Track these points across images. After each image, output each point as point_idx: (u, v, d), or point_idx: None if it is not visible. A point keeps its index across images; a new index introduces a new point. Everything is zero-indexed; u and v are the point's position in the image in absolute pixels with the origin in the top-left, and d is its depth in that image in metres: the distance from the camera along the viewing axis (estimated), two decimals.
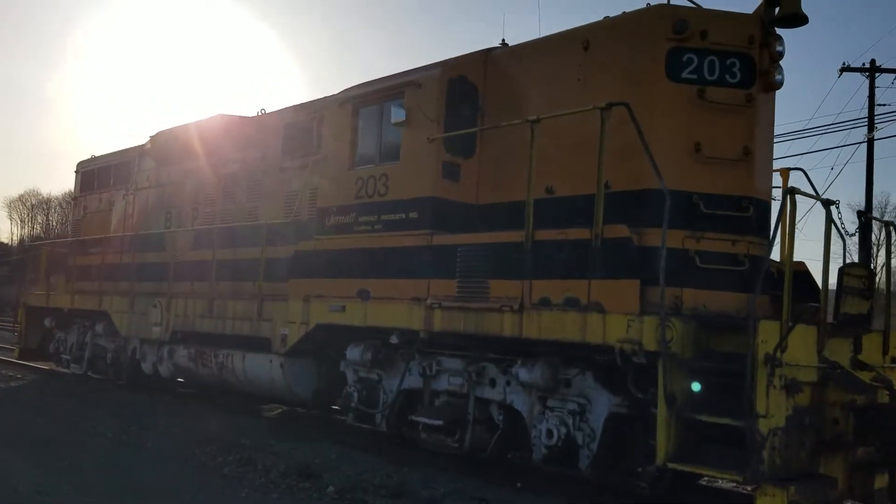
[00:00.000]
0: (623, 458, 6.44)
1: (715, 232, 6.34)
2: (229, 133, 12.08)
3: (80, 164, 16.62)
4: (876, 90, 26.88)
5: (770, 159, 6.96)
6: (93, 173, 15.95)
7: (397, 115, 7.81)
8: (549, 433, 6.47)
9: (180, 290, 11.57)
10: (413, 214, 7.68)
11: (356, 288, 8.26)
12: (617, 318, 5.77)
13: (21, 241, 70.77)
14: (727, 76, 6.57)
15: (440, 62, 7.97)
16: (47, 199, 75.65)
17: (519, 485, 7.30)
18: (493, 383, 7.21)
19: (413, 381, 7.93)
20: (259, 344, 9.84)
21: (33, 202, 76.11)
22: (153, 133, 13.83)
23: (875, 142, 26.39)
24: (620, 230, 5.93)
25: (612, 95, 6.50)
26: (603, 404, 6.28)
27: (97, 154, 16.68)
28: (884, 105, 45.85)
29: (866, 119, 26.73)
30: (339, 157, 8.74)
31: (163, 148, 13.39)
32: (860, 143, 26.55)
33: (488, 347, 7.31)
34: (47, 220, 75.86)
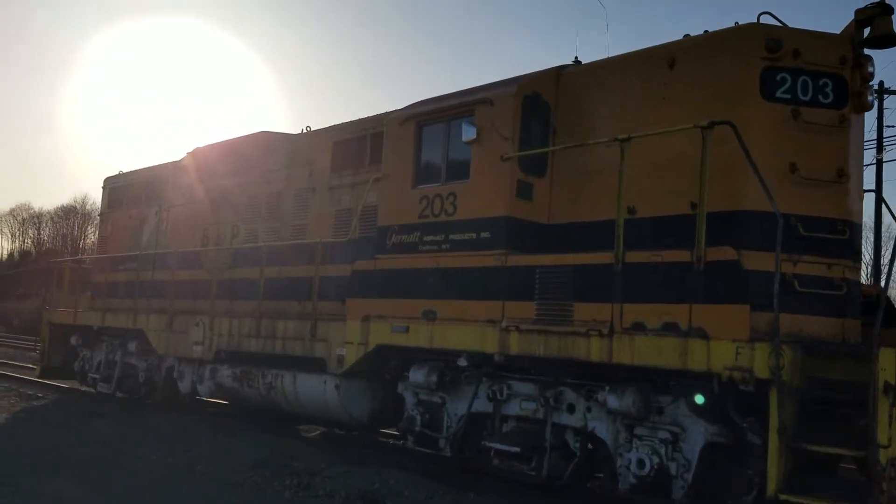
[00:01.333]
0: (715, 488, 6.20)
1: (812, 255, 6.16)
2: (272, 150, 11.95)
3: (108, 180, 16.46)
4: (885, 111, 26.85)
5: (861, 181, 6.79)
6: (122, 189, 15.77)
7: (468, 132, 7.65)
8: (641, 462, 6.24)
9: (224, 308, 11.35)
10: (485, 234, 7.49)
11: (421, 308, 8.06)
12: (724, 345, 5.57)
13: (10, 255, 70.08)
14: (820, 96, 6.43)
15: (513, 79, 7.83)
16: (39, 213, 74.52)
17: None
18: (571, 409, 6.99)
19: (482, 405, 7.70)
20: (311, 364, 9.61)
21: (24, 216, 74.89)
22: (190, 149, 13.72)
23: (884, 164, 26.37)
24: (726, 252, 5.74)
25: (701, 114, 6.35)
26: (699, 433, 6.06)
27: (124, 170, 16.56)
28: (892, 126, 46.04)
29: (875, 141, 26.75)
30: (400, 175, 8.57)
31: (200, 164, 13.25)
32: (870, 164, 26.56)
33: (562, 372, 7.11)
34: (39, 234, 74.92)
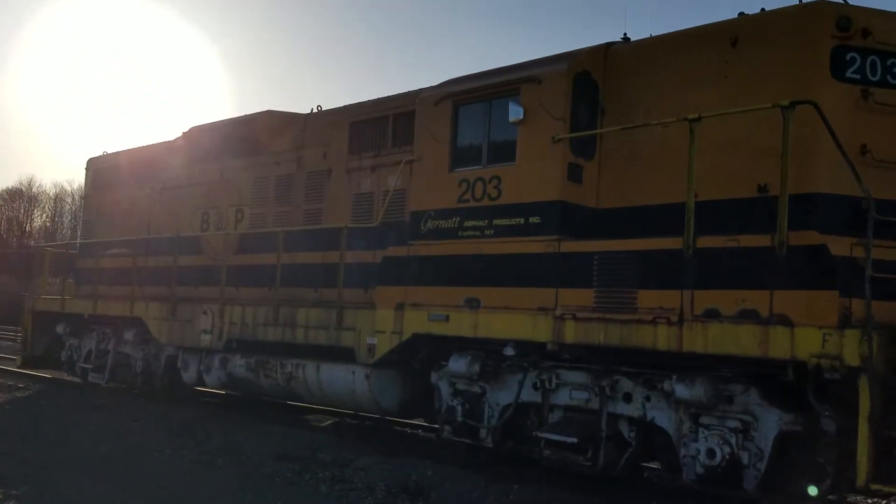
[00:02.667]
0: (783, 479, 6.09)
1: (884, 239, 6.02)
2: (280, 131, 11.51)
3: (93, 161, 15.77)
4: None
5: None
6: (108, 171, 15.11)
7: (515, 112, 7.36)
8: (711, 452, 6.08)
9: (235, 296, 10.92)
10: (535, 219, 7.23)
11: (462, 296, 7.78)
12: (810, 332, 5.42)
13: None
14: (888, 77, 6.28)
15: (561, 56, 7.54)
16: None
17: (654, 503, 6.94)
18: (627, 398, 6.80)
19: (528, 394, 7.48)
20: (335, 353, 9.28)
21: None
22: (186, 129, 13.15)
23: None
24: (812, 237, 5.59)
25: (767, 94, 6.17)
26: (772, 421, 5.92)
27: (109, 151, 15.88)
28: None
29: None
30: (435, 157, 8.24)
31: (198, 145, 12.71)
32: None
33: (614, 361, 6.92)
34: None
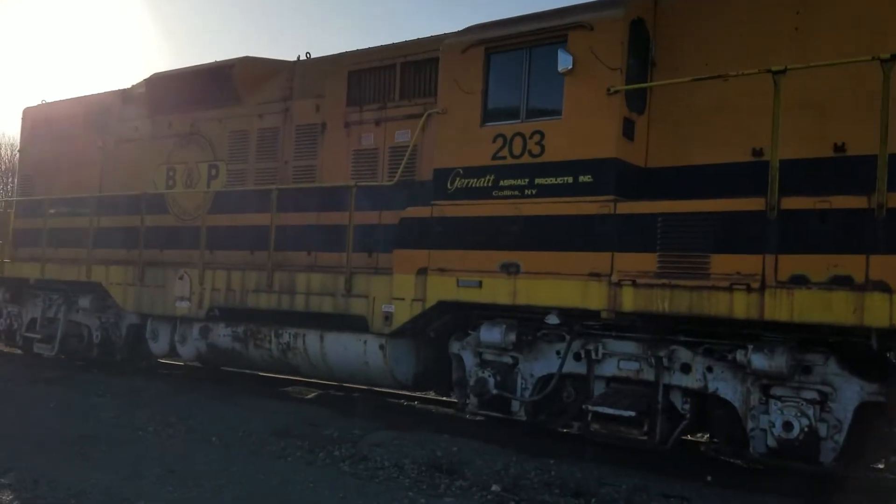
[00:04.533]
0: (857, 449, 5.88)
1: None
2: (261, 80, 10.53)
3: (30, 111, 14.25)
4: None
5: None
6: (49, 122, 13.64)
7: (564, 62, 6.76)
8: (788, 425, 5.79)
9: (210, 259, 9.98)
10: (586, 178, 6.70)
11: (498, 261, 7.21)
12: None
13: None
14: None
15: (611, 0, 6.97)
16: None
17: (709, 478, 6.64)
18: (685, 369, 6.44)
19: (570, 365, 7.03)
20: (340, 323, 8.57)
21: None
22: (148, 76, 11.91)
23: None
24: None
25: (846, 47, 5.83)
26: (853, 392, 5.67)
27: (48, 100, 14.36)
28: None
29: None
30: (464, 110, 7.56)
31: (161, 94, 11.55)
32: None
33: (665, 329, 6.56)
34: None
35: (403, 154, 8.75)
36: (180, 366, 13.30)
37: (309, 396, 10.84)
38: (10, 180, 51.73)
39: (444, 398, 10.53)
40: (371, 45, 9.10)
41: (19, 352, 13.88)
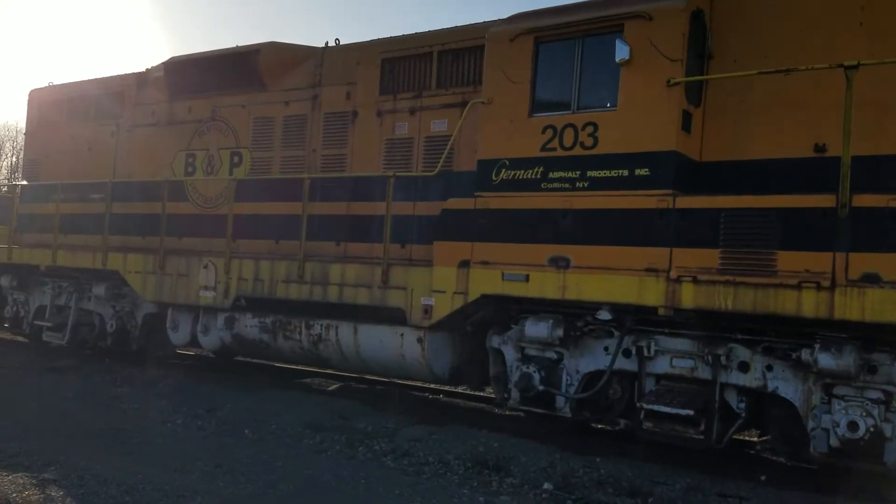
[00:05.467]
0: None
1: None
2: (288, 65, 10.29)
3: (37, 94, 13.88)
4: None
5: None
6: (58, 105, 13.31)
7: (622, 52, 6.62)
8: (853, 425, 5.71)
9: (240, 249, 9.75)
10: (643, 171, 6.57)
11: (546, 255, 7.07)
12: None
13: None
14: None
15: None
16: None
17: (763, 478, 6.56)
18: (743, 367, 6.35)
19: (621, 361, 6.91)
20: (375, 314, 8.40)
21: None
22: (166, 59, 11.63)
23: None
24: None
25: None
26: None
27: (55, 82, 14.01)
28: None
29: None
30: (511, 100, 7.40)
31: (179, 78, 11.27)
32: None
33: (721, 327, 6.46)
34: None
35: (439, 144, 8.60)
36: (192, 355, 13.09)
37: (331, 388, 10.68)
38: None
39: (473, 392, 10.43)
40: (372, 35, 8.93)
41: (25, 340, 13.60)
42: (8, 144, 52.94)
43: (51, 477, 5.65)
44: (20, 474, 5.69)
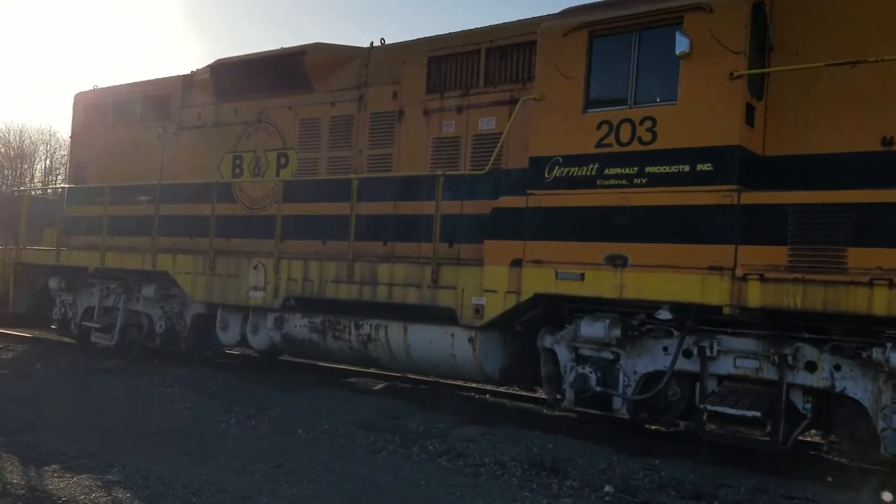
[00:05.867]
0: None
1: None
2: (333, 66, 10.30)
3: (82, 97, 14.07)
4: None
5: None
6: (103, 107, 13.49)
7: (682, 44, 6.47)
8: None
9: (288, 249, 9.77)
10: (705, 166, 6.42)
11: (602, 253, 6.95)
12: None
13: None
14: None
15: None
16: None
17: (830, 479, 6.38)
18: (811, 367, 6.17)
19: (682, 362, 6.76)
20: (423, 314, 8.35)
21: None
22: (212, 62, 11.70)
23: None
24: None
25: None
26: None
27: (100, 85, 14.20)
28: None
29: None
30: (564, 96, 7.28)
31: (225, 80, 11.34)
32: None
33: (783, 325, 6.28)
34: None
35: (486, 142, 8.54)
36: (236, 355, 13.17)
37: (377, 388, 10.66)
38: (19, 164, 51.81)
39: (518, 392, 10.34)
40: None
41: (71, 340, 13.78)
42: (42, 148, 53.89)
43: (115, 478, 5.68)
44: (84, 476, 5.73)
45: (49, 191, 15.51)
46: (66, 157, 53.00)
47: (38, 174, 52.87)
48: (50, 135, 54.37)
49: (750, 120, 6.45)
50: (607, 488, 6.21)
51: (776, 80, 6.65)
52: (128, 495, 5.27)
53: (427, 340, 8.24)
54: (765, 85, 6.68)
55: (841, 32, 6.38)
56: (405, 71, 9.36)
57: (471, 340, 7.88)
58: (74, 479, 5.66)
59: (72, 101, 14.23)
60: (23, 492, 5.34)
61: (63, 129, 58.15)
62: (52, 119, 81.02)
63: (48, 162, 53.64)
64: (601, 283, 6.93)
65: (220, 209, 10.79)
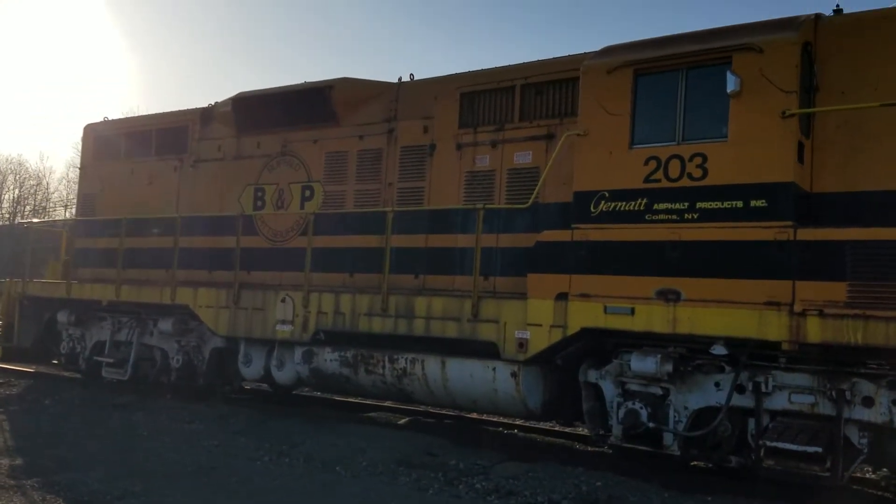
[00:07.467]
0: None
1: None
2: (361, 101, 10.33)
3: (92, 128, 13.96)
4: None
5: None
6: (116, 139, 13.39)
7: (732, 83, 6.58)
8: None
9: (313, 282, 9.67)
10: (759, 203, 6.49)
11: (653, 287, 6.96)
12: None
13: None
14: None
15: (779, 22, 6.81)
16: None
17: None
18: (868, 402, 6.19)
19: (735, 398, 6.75)
20: (461, 348, 8.29)
21: None
22: (234, 95, 11.68)
23: None
24: None
25: None
26: None
27: (110, 117, 14.12)
28: None
29: None
30: (609, 132, 7.36)
31: (248, 113, 11.32)
32: None
33: (838, 361, 6.31)
34: None
35: (522, 176, 8.60)
36: (249, 390, 12.94)
37: (401, 422, 10.51)
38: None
39: (550, 427, 10.24)
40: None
41: (75, 375, 13.44)
42: (11, 177, 53.04)
43: None
44: None
45: (59, 222, 15.12)
46: (35, 188, 52.57)
47: (5, 203, 52.11)
48: (19, 164, 53.51)
49: (801, 157, 6.55)
50: None
51: (822, 118, 6.77)
52: None
53: (467, 375, 8.17)
54: (812, 123, 6.80)
55: (885, 72, 6.52)
56: (437, 106, 9.41)
57: (514, 375, 7.82)
58: None
59: (81, 133, 14.15)
60: None
61: (30, 157, 57.62)
62: (21, 148, 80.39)
63: (16, 192, 52.88)
64: (653, 318, 6.93)
65: (243, 241, 10.69)
